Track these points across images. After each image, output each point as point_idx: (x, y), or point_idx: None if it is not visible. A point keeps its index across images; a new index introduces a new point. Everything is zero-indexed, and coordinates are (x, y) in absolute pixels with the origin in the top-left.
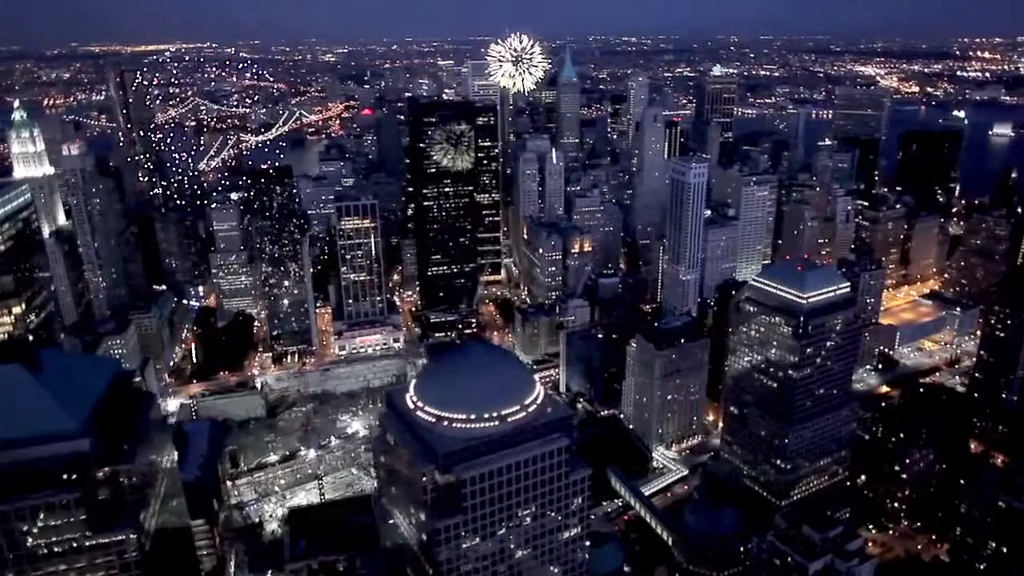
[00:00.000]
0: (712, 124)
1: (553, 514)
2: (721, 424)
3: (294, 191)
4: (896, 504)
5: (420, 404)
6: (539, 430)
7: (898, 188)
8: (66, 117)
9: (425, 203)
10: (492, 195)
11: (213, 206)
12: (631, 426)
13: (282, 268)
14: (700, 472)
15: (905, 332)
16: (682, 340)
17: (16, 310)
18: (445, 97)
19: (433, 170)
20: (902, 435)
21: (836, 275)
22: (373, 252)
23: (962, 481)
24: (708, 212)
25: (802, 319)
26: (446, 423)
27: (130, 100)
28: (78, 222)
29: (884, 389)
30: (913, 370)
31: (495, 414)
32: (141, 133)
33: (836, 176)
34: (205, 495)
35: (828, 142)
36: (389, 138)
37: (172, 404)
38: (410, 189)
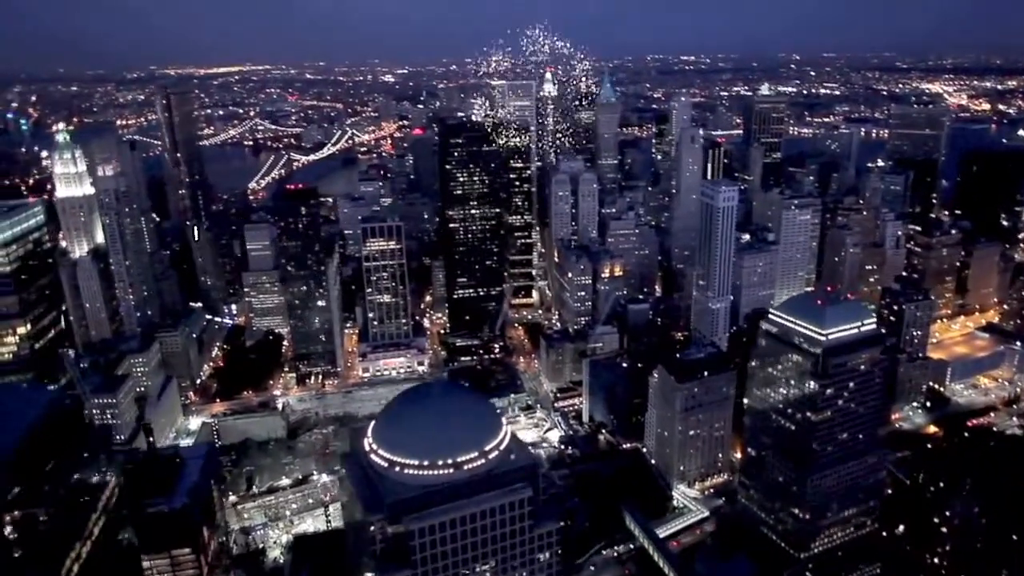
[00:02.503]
0: (755, 144)
1: (517, 570)
2: (739, 466)
3: (320, 212)
4: (936, 560)
5: (375, 446)
6: (499, 479)
7: (957, 212)
8: (132, 137)
9: (451, 225)
10: (524, 216)
11: (247, 225)
12: (653, 461)
13: (307, 289)
14: (715, 516)
15: (957, 367)
16: (705, 373)
17: (21, 330)
18: (474, 118)
19: (459, 192)
20: (943, 483)
21: (861, 309)
22: (398, 274)
23: (1014, 536)
24: (747, 236)
25: (820, 357)
26: (398, 468)
27: (176, 121)
28: (110, 241)
29: (932, 429)
30: (966, 409)
31: (449, 461)
32: (190, 153)
33: (887, 199)
34: (192, 522)
35: (880, 163)
36: (424, 159)
37: (194, 423)
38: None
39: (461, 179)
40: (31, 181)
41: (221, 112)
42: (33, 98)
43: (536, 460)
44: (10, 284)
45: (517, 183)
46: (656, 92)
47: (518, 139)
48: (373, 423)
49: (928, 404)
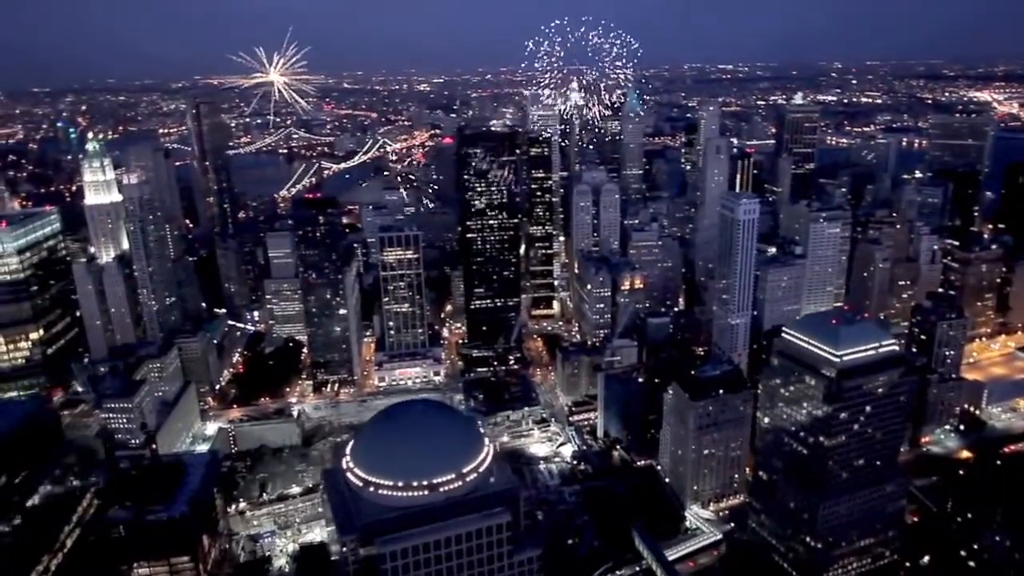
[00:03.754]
0: (784, 155)
1: None
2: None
3: (343, 221)
4: None
5: (352, 464)
6: (477, 503)
7: (1001, 226)
8: (170, 145)
9: (468, 235)
10: (545, 227)
11: (269, 233)
12: (667, 479)
13: (325, 297)
14: (727, 540)
15: (995, 389)
16: (721, 391)
17: (33, 335)
18: (495, 128)
19: (476, 202)
20: (973, 512)
21: (879, 330)
22: (415, 283)
23: None
24: (772, 249)
25: (834, 379)
26: (373, 488)
27: (205, 130)
28: (134, 247)
29: (965, 454)
30: (1003, 433)
31: (424, 482)
32: (219, 161)
33: (924, 212)
34: (190, 531)
35: (918, 174)
36: (446, 168)
37: (211, 428)
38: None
39: (478, 189)
40: (74, 188)
41: (259, 120)
42: (83, 107)
43: (516, 484)
44: (23, 290)
45: (538, 193)
46: (691, 101)
47: (539, 149)
48: (352, 440)
49: (961, 427)
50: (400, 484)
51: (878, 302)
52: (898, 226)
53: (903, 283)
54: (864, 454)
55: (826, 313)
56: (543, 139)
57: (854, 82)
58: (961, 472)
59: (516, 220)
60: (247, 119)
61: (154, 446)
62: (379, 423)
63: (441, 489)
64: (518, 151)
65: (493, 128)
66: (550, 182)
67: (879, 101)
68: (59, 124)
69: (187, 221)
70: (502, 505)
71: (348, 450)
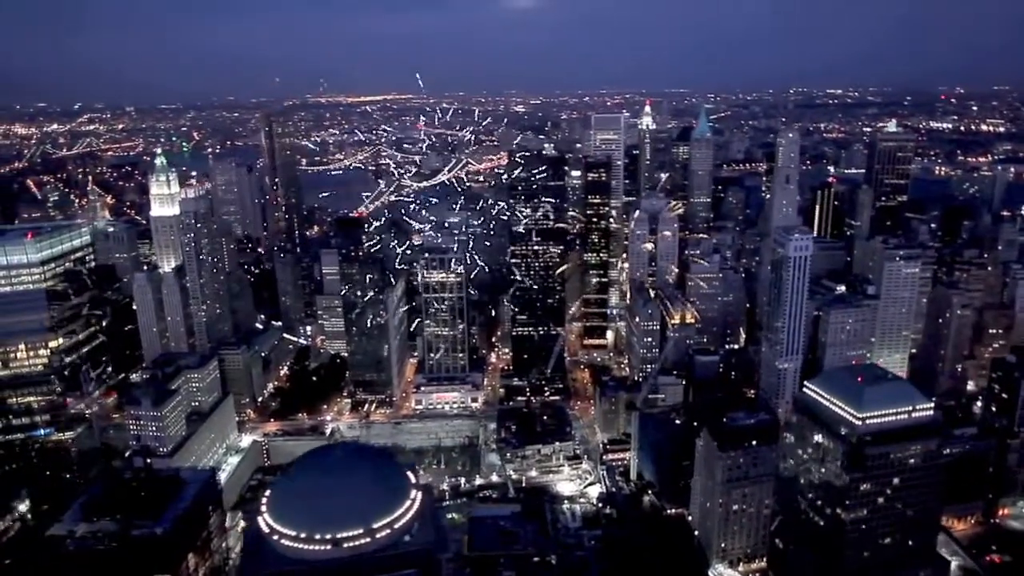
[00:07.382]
0: (864, 187)
1: None
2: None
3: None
4: None
5: (264, 508)
6: (388, 562)
7: None
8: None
9: (513, 260)
10: (600, 255)
11: (323, 250)
12: (696, 532)
13: (365, 316)
14: None
15: None
16: (753, 442)
17: (53, 344)
18: (546, 152)
19: (521, 227)
20: None
21: (912, 392)
22: (457, 307)
23: None
24: (842, 288)
25: (854, 444)
26: (276, 537)
27: (276, 146)
28: (187, 259)
29: None
30: None
31: (328, 536)
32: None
33: None
34: (173, 549)
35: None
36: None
37: (245, 440)
38: None
39: (523, 213)
40: None
41: (356, 138)
42: (200, 123)
43: (433, 543)
44: (44, 300)
45: (594, 219)
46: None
47: (596, 174)
48: (275, 482)
49: None
50: (303, 536)
51: (955, 352)
52: (990, 268)
53: (993, 331)
54: (892, 532)
55: (852, 368)
56: (601, 163)
57: (975, 108)
58: None
59: (562, 247)
60: (345, 136)
61: (148, 460)
62: (299, 467)
63: (346, 545)
64: (565, 175)
65: (544, 152)
66: (608, 208)
67: (1001, 129)
68: (173, 138)
69: (266, 234)
70: (415, 567)
71: (267, 493)
